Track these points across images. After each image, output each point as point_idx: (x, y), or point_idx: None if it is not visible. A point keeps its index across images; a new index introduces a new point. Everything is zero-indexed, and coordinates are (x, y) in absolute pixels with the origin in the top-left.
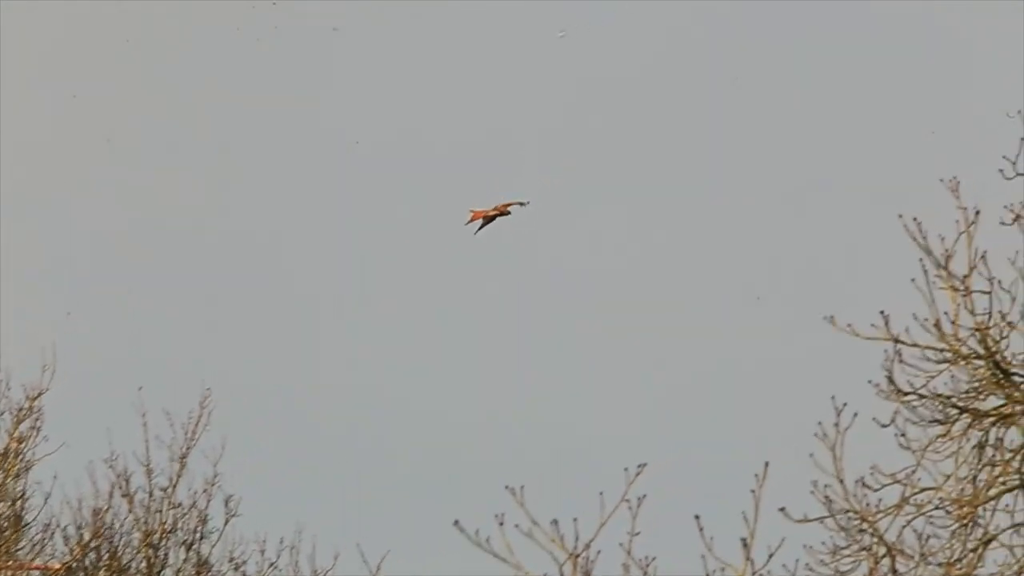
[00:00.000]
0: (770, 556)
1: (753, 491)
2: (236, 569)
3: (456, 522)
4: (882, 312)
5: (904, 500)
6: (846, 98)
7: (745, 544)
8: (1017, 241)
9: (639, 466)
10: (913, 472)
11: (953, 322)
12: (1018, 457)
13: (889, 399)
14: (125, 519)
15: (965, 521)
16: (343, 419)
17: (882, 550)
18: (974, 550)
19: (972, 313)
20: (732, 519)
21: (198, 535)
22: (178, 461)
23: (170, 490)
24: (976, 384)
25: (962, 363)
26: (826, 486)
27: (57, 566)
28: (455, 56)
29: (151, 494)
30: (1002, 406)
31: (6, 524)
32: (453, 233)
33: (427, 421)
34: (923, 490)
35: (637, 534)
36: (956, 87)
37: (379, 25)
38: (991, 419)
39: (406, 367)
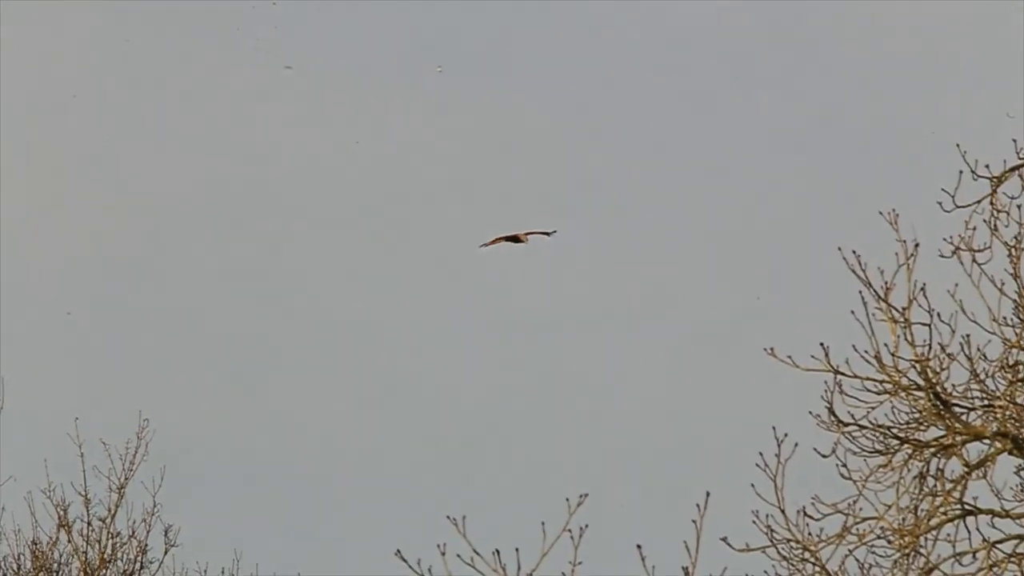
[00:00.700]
0: None
1: (695, 521)
2: None
3: (398, 551)
4: (822, 344)
5: (846, 530)
6: (788, 128)
7: (687, 573)
8: (956, 273)
9: (580, 496)
10: (855, 502)
11: (893, 354)
12: (959, 487)
13: (830, 430)
14: (64, 549)
15: (907, 551)
16: (283, 448)
17: None
18: None
19: (912, 345)
20: (674, 548)
21: (138, 565)
22: (116, 491)
23: (109, 520)
24: (916, 415)
25: (902, 394)
26: (768, 516)
27: None
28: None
29: (89, 523)
30: (942, 437)
31: None
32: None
33: (367, 449)
34: (865, 519)
35: (579, 564)
36: (894, 117)
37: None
38: (932, 449)
39: (343, 393)
